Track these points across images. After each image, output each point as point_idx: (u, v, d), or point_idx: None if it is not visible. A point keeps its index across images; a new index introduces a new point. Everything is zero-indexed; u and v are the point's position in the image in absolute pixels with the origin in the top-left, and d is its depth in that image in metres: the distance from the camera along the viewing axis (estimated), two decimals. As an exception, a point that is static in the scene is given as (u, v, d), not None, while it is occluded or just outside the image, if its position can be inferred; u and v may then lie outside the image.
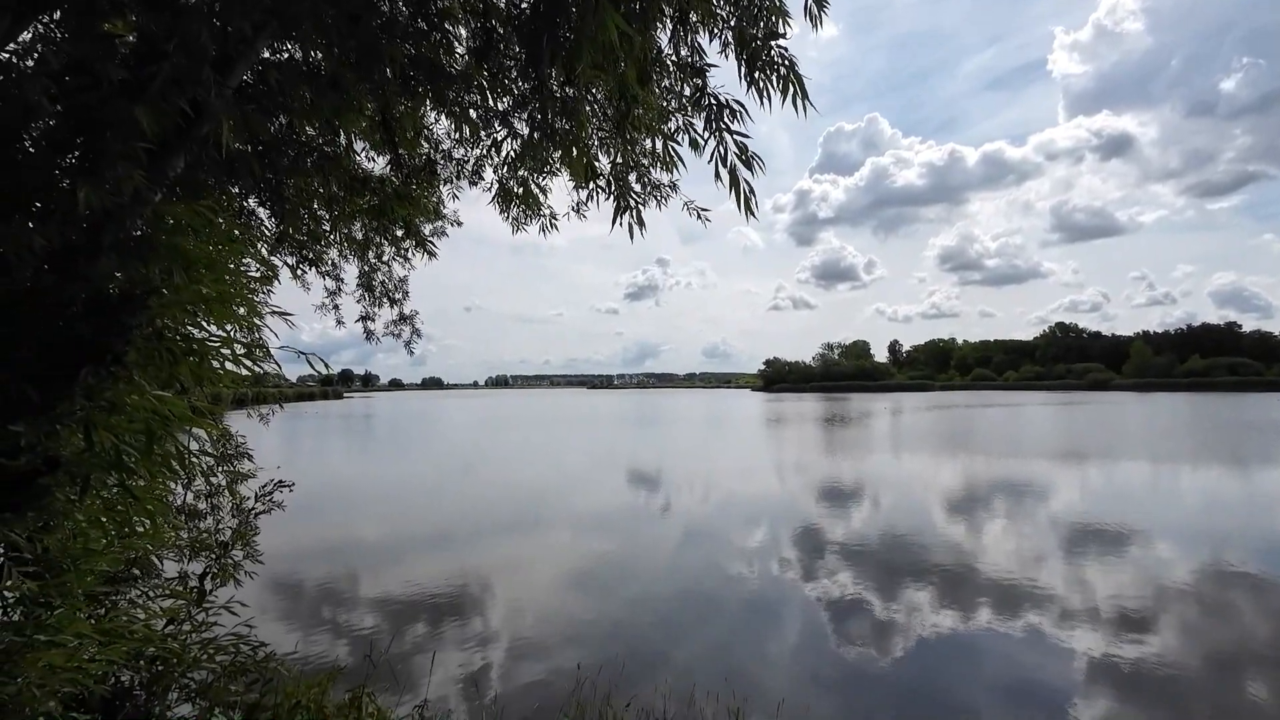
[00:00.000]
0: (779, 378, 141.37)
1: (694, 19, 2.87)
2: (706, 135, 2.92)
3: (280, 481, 3.83)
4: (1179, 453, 23.84)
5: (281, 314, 2.53)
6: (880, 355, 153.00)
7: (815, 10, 2.94)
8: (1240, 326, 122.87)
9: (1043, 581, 9.01)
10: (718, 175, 2.87)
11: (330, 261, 5.38)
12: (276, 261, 4.21)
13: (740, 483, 18.23)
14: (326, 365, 2.63)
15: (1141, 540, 11.18)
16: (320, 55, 2.64)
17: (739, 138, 2.89)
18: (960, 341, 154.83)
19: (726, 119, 2.90)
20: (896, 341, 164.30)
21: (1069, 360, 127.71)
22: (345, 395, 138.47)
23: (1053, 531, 11.84)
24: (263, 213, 3.95)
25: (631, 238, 3.07)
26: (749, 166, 2.90)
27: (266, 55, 3.10)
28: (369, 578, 9.59)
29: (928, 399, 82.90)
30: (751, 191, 2.91)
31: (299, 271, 4.51)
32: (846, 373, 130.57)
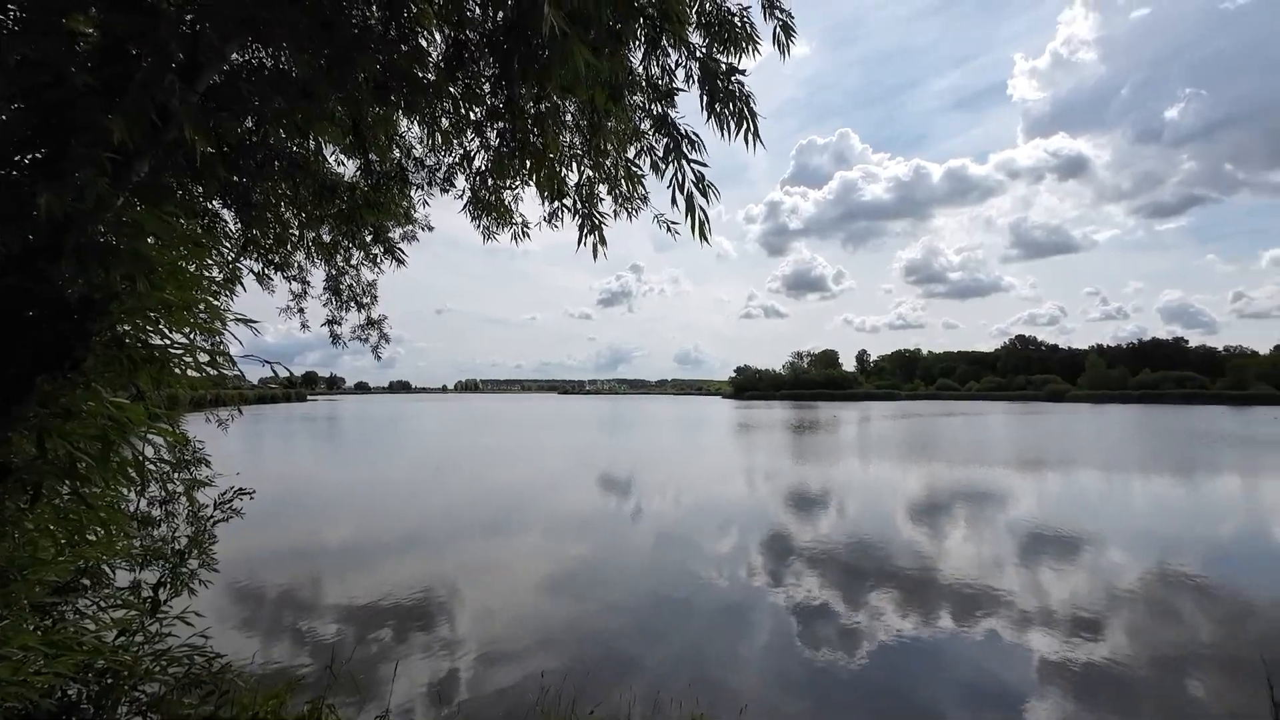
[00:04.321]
0: (750, 385, 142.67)
1: (665, 43, 2.95)
2: (667, 161, 3.00)
3: (240, 489, 3.76)
4: (1131, 463, 24.80)
5: (246, 321, 2.51)
6: (848, 364, 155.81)
7: (783, 38, 3.05)
8: (1187, 341, 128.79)
9: (1002, 585, 9.29)
10: (674, 201, 2.96)
11: (297, 265, 5.31)
12: (242, 265, 4.14)
13: (712, 488, 18.35)
14: (290, 373, 2.61)
15: (1094, 546, 11.60)
16: (292, 62, 2.63)
17: (697, 166, 2.99)
18: (925, 352, 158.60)
19: (686, 149, 2.98)
20: (864, 351, 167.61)
21: (1029, 371, 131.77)
22: (309, 398, 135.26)
23: (1011, 537, 12.21)
24: (228, 215, 3.88)
25: (595, 257, 3.12)
26: (704, 194, 3.00)
27: (237, 57, 3.07)
28: (333, 584, 9.40)
29: (894, 408, 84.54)
30: (706, 217, 3.01)
31: (265, 275, 4.43)
32: (816, 381, 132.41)
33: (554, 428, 47.35)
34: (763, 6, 3.04)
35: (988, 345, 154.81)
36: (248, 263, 4.38)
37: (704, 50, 2.96)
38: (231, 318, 2.52)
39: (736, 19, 3.04)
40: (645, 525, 13.65)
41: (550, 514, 14.78)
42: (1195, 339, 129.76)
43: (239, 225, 3.98)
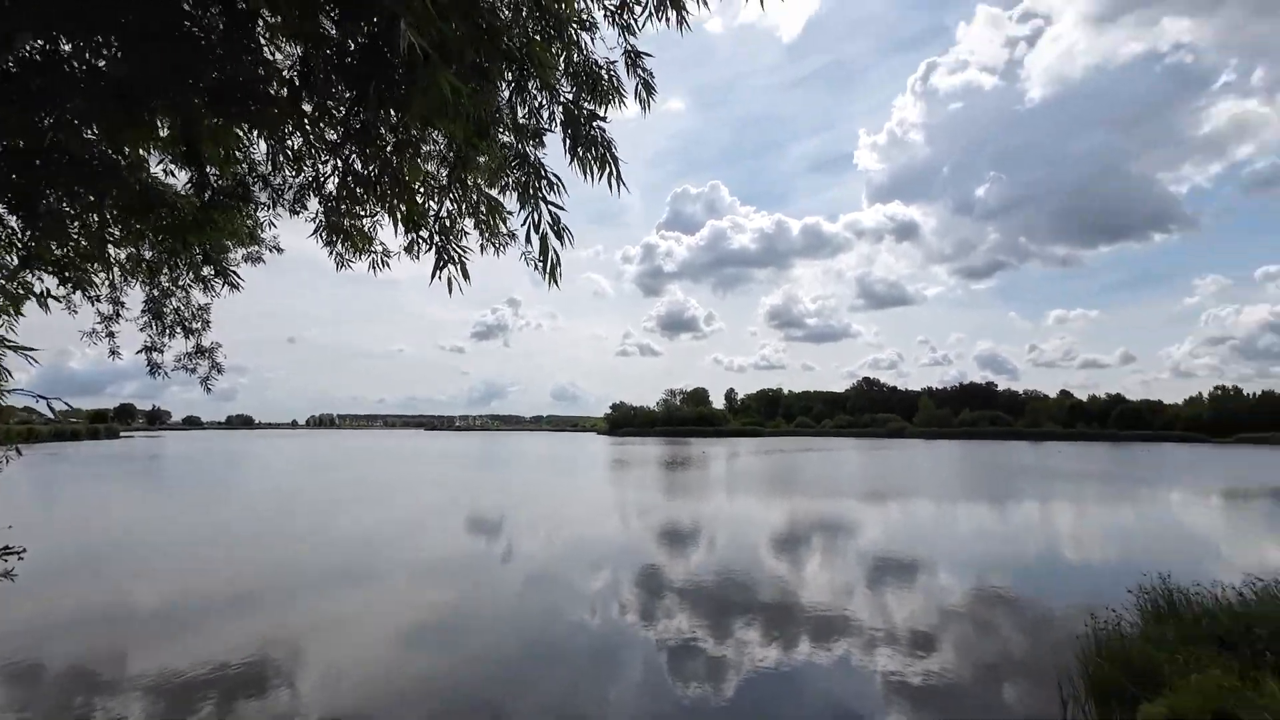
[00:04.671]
0: (625, 421, 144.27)
1: (531, 86, 2.98)
2: (525, 201, 3.00)
3: (7, 547, 3.10)
4: (957, 493, 28.15)
5: (19, 349, 2.11)
6: (718, 402, 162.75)
7: (645, 94, 3.22)
8: (996, 386, 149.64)
9: (852, 610, 9.96)
10: (528, 240, 2.97)
11: (109, 283, 4.61)
12: (29, 282, 3.50)
13: (585, 526, 18.12)
14: (69, 406, 2.22)
15: (928, 569, 12.85)
16: (105, 62, 2.31)
17: (554, 208, 3.01)
18: (786, 391, 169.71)
19: (544, 190, 3.01)
20: (732, 389, 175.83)
21: (873, 410, 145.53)
22: (123, 434, 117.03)
23: (861, 564, 13.20)
24: (15, 223, 3.28)
25: (450, 292, 3.01)
26: (560, 237, 3.02)
27: (37, 45, 2.66)
28: (142, 653, 8.00)
29: (759, 444, 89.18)
30: (558, 260, 3.02)
31: (50, 295, 3.75)
32: (687, 418, 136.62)
33: (418, 466, 44.59)
34: (626, 65, 3.20)
35: (839, 386, 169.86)
36: (37, 278, 3.71)
37: (571, 97, 3.03)
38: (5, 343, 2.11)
39: (604, 71, 3.17)
40: (515, 567, 13.14)
41: (412, 559, 13.77)
42: (1003, 383, 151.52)
43: (27, 235, 3.36)
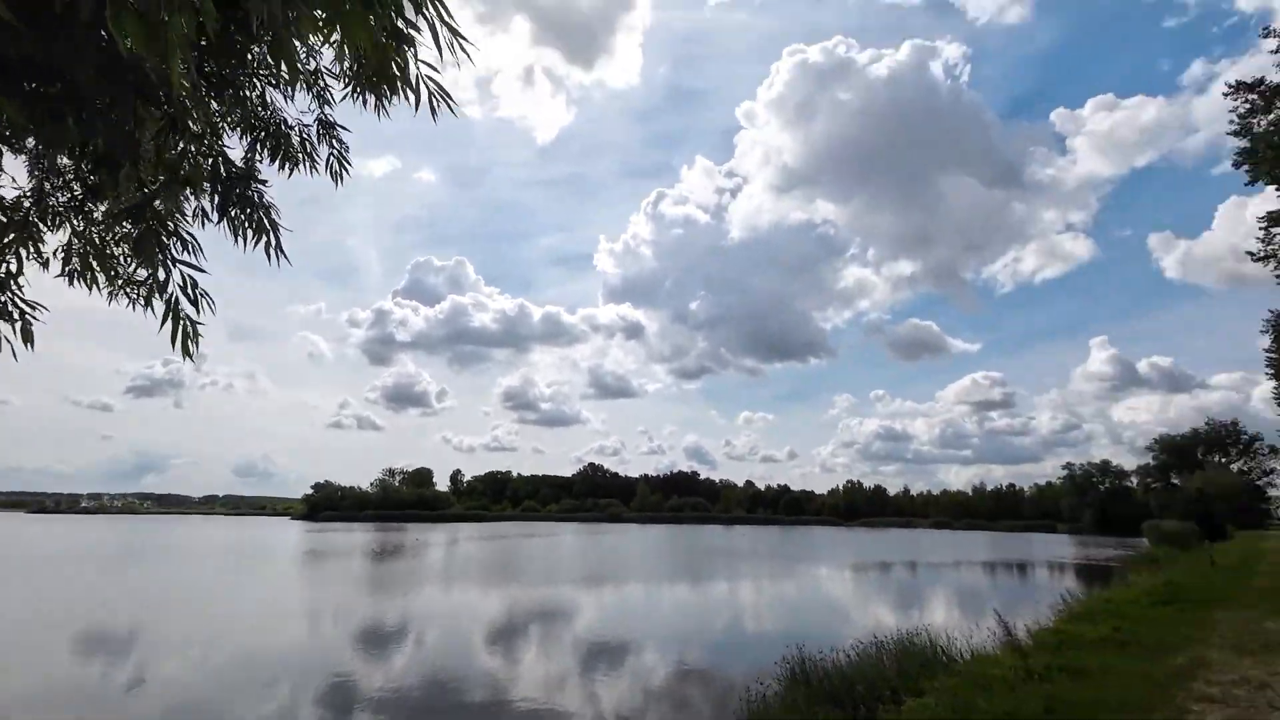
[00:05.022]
0: (328, 504, 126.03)
1: (193, 129, 2.58)
2: (145, 260, 2.53)
3: None
4: (662, 574, 30.60)
5: None
6: (443, 483, 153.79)
7: (337, 167, 3.05)
8: (699, 475, 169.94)
9: (563, 701, 9.81)
10: (148, 303, 2.49)
11: None
12: None
13: (253, 636, 14.88)
14: None
15: (635, 651, 13.41)
16: None
17: (187, 270, 2.57)
18: (515, 474, 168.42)
19: (175, 249, 2.58)
20: (459, 471, 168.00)
21: (597, 495, 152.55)
22: None
23: (573, 651, 13.22)
24: None
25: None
26: (195, 303, 2.57)
27: None
28: None
29: (483, 529, 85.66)
30: (193, 330, 2.55)
31: None
32: (407, 500, 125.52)
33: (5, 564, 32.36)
34: (317, 133, 3.00)
35: (568, 470, 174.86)
36: None
37: (244, 152, 2.71)
38: None
39: (295, 133, 2.92)
40: (150, 696, 10.04)
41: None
42: (705, 473, 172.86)
43: None
